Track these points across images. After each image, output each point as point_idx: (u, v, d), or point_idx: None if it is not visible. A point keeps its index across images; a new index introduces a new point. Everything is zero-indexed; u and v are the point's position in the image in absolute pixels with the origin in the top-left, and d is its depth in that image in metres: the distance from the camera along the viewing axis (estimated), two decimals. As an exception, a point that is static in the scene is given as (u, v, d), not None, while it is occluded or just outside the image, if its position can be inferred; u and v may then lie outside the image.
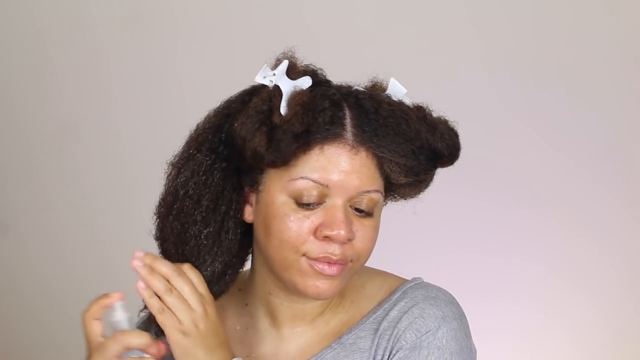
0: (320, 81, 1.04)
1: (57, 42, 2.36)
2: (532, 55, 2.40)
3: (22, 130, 2.42)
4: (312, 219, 1.00)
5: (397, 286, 1.09)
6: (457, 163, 1.07)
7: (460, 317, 1.06)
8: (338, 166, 0.99)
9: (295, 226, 1.00)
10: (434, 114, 1.05)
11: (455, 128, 1.06)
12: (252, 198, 1.05)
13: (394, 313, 1.06)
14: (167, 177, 1.06)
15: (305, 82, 1.01)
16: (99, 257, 2.43)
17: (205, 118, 1.07)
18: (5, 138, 2.42)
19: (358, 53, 2.22)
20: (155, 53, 2.36)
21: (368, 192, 1.01)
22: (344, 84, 1.06)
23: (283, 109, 0.98)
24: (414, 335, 1.03)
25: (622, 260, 2.45)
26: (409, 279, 1.12)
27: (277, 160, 0.98)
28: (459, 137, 1.06)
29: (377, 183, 1.02)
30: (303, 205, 1.00)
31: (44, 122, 2.39)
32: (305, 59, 1.06)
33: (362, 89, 1.05)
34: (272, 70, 1.02)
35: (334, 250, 1.00)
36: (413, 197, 1.10)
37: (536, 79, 2.41)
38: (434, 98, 1.10)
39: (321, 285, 1.01)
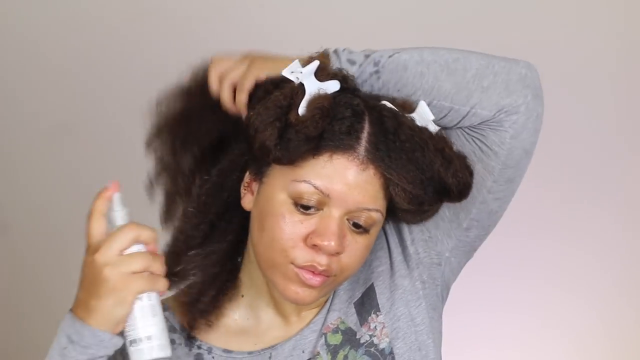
0: (348, 88, 1.02)
1: (56, 40, 2.35)
2: (534, 56, 2.40)
3: (22, 129, 2.41)
4: (305, 224, 0.98)
5: None
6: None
7: None
8: (343, 178, 0.98)
9: (288, 228, 0.98)
10: (454, 148, 1.03)
11: (471, 166, 1.04)
12: (255, 187, 1.04)
13: None
14: None
15: (332, 86, 0.99)
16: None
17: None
18: (5, 137, 2.41)
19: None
20: (154, 51, 2.36)
21: (368, 209, 0.99)
22: (373, 94, 1.03)
23: (302, 109, 0.96)
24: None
25: (619, 263, 2.45)
26: None
27: (283, 158, 0.97)
28: (473, 176, 1.04)
29: (379, 203, 1.00)
30: (301, 208, 0.98)
31: (43, 121, 2.39)
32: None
33: (390, 106, 1.01)
34: (302, 67, 0.99)
35: (321, 260, 0.98)
36: (414, 224, 1.09)
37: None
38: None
39: (301, 293, 1.00)
